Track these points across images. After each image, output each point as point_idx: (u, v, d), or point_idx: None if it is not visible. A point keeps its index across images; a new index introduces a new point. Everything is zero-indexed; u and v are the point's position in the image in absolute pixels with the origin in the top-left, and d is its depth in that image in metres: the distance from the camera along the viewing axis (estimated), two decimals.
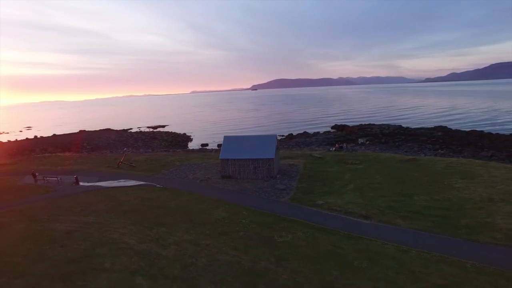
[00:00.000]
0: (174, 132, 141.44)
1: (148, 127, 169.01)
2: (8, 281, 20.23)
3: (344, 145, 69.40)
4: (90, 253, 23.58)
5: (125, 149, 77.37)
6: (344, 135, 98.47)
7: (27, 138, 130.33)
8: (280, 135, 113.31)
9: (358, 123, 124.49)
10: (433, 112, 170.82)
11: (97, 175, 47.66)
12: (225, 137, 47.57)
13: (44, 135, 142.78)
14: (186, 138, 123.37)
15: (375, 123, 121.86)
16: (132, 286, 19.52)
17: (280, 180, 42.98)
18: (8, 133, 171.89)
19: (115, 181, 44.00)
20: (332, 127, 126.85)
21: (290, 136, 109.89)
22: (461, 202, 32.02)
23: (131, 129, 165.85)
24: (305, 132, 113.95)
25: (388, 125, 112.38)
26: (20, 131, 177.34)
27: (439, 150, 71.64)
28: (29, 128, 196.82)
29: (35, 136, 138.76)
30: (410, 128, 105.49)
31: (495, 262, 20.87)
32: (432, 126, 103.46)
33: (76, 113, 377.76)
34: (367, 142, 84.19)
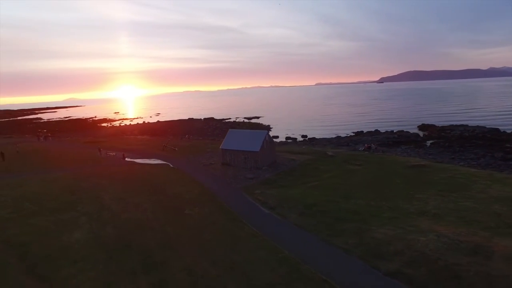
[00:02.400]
0: (260, 124, 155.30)
1: (244, 118, 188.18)
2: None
3: (372, 145, 66.71)
4: (86, 196, 36.92)
5: (170, 137, 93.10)
6: (408, 136, 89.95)
7: (138, 124, 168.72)
8: (353, 132, 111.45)
9: (459, 124, 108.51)
10: None
11: (142, 154, 63.81)
12: (230, 131, 55.66)
13: (155, 121, 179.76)
14: (265, 129, 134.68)
15: (489, 126, 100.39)
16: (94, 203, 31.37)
17: (263, 171, 48.47)
18: (142, 117, 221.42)
19: (147, 159, 58.69)
20: (419, 126, 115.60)
21: (359, 133, 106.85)
22: (382, 212, 31.54)
23: (229, 119, 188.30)
24: (376, 130, 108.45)
25: (480, 128, 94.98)
26: (150, 117, 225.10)
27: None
28: (158, 114, 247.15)
29: (144, 122, 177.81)
30: (505, 132, 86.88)
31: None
32: None
33: (203, 102, 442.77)
34: (428, 144, 75.74)
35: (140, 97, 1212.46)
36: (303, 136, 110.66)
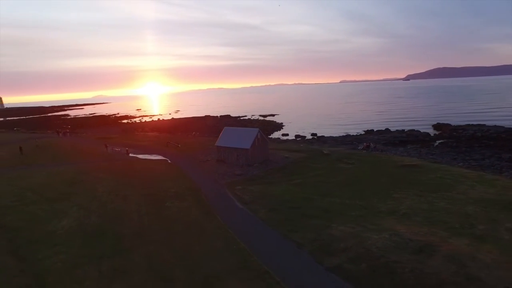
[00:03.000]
0: (273, 121, 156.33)
1: (260, 115, 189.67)
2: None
3: (371, 144, 66.19)
4: (82, 188, 40.07)
5: (178, 133, 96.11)
6: (417, 136, 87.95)
7: (153, 121, 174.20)
8: (364, 130, 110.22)
9: (477, 123, 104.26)
10: None
11: (146, 150, 67.01)
12: (225, 128, 57.41)
13: (170, 118, 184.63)
14: (277, 127, 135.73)
15: (509, 126, 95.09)
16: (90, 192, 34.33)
17: (254, 168, 49.90)
18: (161, 114, 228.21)
19: (149, 155, 61.68)
20: (433, 125, 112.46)
21: (370, 132, 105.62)
22: (351, 211, 32.19)
23: (244, 116, 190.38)
24: (387, 129, 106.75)
25: (497, 127, 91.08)
26: (169, 114, 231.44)
27: None
28: (177, 111, 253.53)
29: (159, 119, 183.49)
30: None
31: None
32: None
33: (225, 99, 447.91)
34: (436, 144, 73.93)
35: (164, 94, 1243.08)
36: (312, 134, 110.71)
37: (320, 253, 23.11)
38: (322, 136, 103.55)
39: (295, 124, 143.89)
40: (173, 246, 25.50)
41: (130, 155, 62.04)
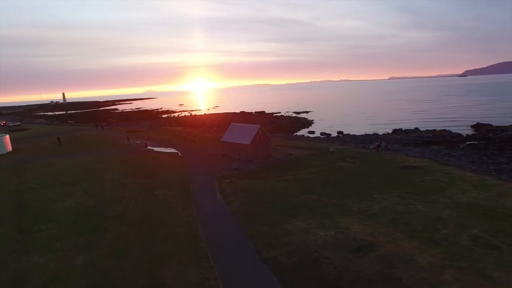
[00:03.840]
0: (304, 118, 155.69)
1: (293, 112, 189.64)
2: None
3: (382, 144, 63.96)
4: (94, 175, 45.38)
5: (201, 128, 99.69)
6: (444, 136, 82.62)
7: (185, 116, 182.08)
8: (392, 129, 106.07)
9: None
10: None
11: (163, 143, 71.95)
12: (231, 125, 59.90)
13: (203, 114, 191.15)
14: (306, 124, 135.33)
15: None
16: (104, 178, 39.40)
17: (252, 163, 51.75)
18: (200, 110, 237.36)
19: (163, 148, 66.34)
20: (472, 126, 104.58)
21: (397, 131, 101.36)
22: (320, 208, 32.85)
23: (278, 113, 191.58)
24: (416, 128, 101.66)
25: None
26: (208, 109, 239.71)
27: None
28: (215, 107, 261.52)
29: (191, 114, 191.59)
30: None
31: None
32: None
33: (267, 95, 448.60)
34: (463, 146, 69.27)
35: (210, 90, 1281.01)
36: (338, 132, 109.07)
37: (263, 245, 24.54)
38: (348, 135, 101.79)
39: (325, 121, 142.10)
40: (142, 228, 28.60)
41: (148, 147, 67.18)
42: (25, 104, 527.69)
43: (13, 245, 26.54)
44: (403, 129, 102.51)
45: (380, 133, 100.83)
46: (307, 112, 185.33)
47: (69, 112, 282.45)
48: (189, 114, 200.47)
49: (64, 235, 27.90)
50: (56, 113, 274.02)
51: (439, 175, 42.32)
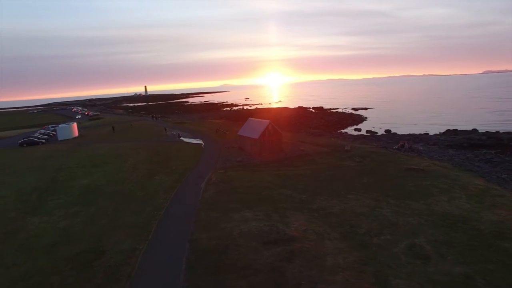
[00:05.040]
0: (358, 115, 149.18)
1: (351, 108, 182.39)
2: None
3: (406, 144, 58.89)
4: (120, 159, 53.45)
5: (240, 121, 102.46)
6: (502, 139, 71.62)
7: (242, 109, 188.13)
8: (448, 129, 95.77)
9: None
10: None
11: (195, 135, 78.28)
12: (248, 119, 62.64)
13: (255, 108, 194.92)
14: (356, 121, 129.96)
15: None
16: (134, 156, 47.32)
17: (261, 157, 53.98)
18: (261, 104, 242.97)
19: (192, 139, 72.47)
20: None
21: (453, 131, 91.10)
22: (283, 203, 33.86)
23: (336, 109, 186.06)
24: (474, 129, 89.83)
25: None
26: (269, 104, 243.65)
27: None
28: (278, 101, 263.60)
29: (249, 107, 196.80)
30: None
31: None
32: None
33: (337, 91, 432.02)
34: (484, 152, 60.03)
35: (283, 84, 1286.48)
36: (386, 131, 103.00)
37: (200, 228, 27.26)
38: (395, 134, 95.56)
39: (379, 119, 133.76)
40: (122, 205, 33.89)
41: (180, 138, 74.18)
42: (113, 96, 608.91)
43: (27, 208, 34.34)
44: (459, 130, 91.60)
45: (431, 134, 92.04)
46: (366, 108, 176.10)
47: (149, 103, 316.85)
48: (248, 108, 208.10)
49: (64, 205, 34.81)
50: (137, 104, 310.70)
51: (441, 180, 38.74)
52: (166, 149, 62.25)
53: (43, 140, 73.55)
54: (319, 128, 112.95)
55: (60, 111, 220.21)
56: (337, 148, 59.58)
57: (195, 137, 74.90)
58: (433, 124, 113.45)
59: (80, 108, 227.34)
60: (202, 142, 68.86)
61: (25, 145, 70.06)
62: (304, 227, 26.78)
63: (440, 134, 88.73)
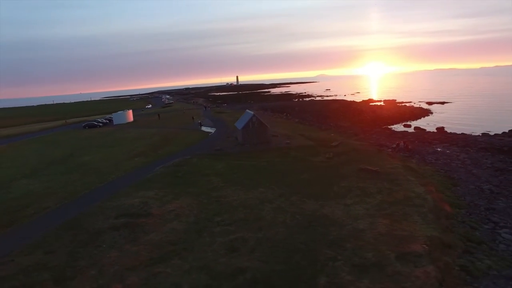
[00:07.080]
0: (427, 109, 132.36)
1: (426, 102, 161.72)
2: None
3: (401, 144, 53.08)
4: (136, 142, 64.50)
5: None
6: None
7: (308, 100, 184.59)
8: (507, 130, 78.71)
9: None
10: None
11: (217, 123, 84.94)
12: (246, 111, 65.76)
13: (314, 100, 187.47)
14: (413, 117, 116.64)
15: None
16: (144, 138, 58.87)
17: (240, 147, 57.09)
18: (336, 95, 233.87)
19: (209, 128, 79.32)
20: None
21: (498, 134, 74.81)
22: (224, 190, 37.48)
23: (409, 102, 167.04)
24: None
25: None
26: (344, 95, 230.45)
27: None
28: (355, 93, 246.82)
29: (320, 98, 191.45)
30: None
31: None
32: None
33: (438, 82, 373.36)
34: None
35: (384, 75, 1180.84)
36: (437, 128, 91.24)
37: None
38: (445, 131, 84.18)
39: (449, 115, 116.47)
40: (93, 174, 43.39)
41: (202, 127, 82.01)
42: (206, 86, 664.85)
43: (40, 171, 46.81)
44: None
45: (492, 133, 77.41)
46: (443, 103, 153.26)
47: (241, 92, 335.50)
48: (312, 99, 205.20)
49: (64, 171, 46.33)
50: (227, 93, 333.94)
51: (381, 184, 35.69)
52: (177, 135, 70.90)
53: (101, 124, 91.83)
54: (364, 123, 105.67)
55: (152, 99, 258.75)
56: (325, 143, 57.97)
57: (213, 127, 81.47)
58: (496, 124, 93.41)
59: (167, 96, 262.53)
60: (212, 131, 75.21)
61: (87, 128, 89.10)
62: (172, 208, 30.46)
63: (481, 135, 74.44)
